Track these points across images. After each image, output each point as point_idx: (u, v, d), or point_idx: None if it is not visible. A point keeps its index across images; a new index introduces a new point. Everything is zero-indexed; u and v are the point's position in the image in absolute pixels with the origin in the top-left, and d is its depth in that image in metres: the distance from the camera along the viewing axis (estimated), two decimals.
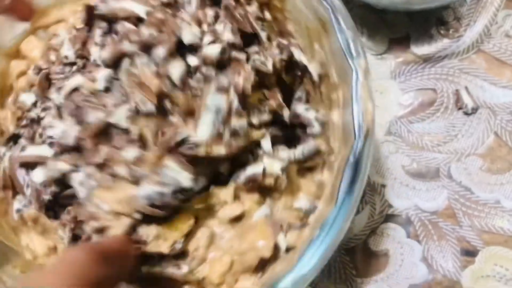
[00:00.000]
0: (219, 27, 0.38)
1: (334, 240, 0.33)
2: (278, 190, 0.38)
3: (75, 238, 0.37)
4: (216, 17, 0.39)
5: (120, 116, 0.35)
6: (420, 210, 0.49)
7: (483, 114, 0.51)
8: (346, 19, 0.37)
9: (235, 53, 0.38)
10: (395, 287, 0.48)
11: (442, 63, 0.53)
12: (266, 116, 0.39)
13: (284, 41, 0.41)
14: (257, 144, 0.39)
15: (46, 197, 0.38)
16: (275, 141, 0.39)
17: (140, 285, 0.36)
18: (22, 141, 0.40)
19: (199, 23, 0.38)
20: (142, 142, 0.35)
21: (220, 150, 0.35)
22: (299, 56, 0.41)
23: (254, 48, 0.39)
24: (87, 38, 0.39)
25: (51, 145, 0.38)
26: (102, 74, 0.36)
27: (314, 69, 0.40)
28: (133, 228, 0.35)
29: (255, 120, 0.38)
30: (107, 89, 0.36)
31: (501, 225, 0.48)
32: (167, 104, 0.35)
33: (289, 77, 0.41)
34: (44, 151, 0.38)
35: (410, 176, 0.50)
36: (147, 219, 0.35)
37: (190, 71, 0.36)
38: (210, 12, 0.39)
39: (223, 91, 0.36)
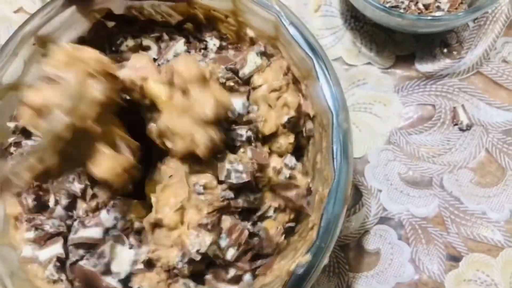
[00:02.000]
0: None
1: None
2: None
3: None
4: None
5: None
6: (412, 215, 0.50)
7: (477, 132, 0.51)
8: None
9: None
10: (384, 283, 0.48)
11: (443, 81, 0.53)
12: None
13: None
14: None
15: None
16: None
17: None
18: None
19: None
20: None
21: None
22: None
23: None
24: None
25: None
26: None
27: None
28: None
29: None
30: None
31: (485, 234, 0.49)
32: None
33: None
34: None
35: (405, 183, 0.51)
36: None
37: None
38: None
39: None
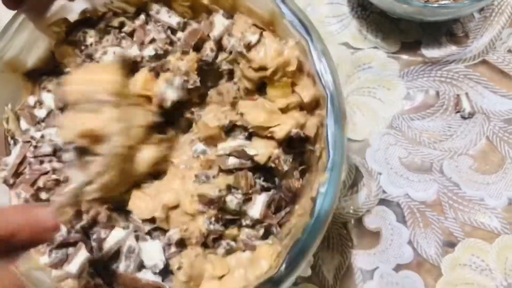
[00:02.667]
0: None
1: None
2: None
3: None
4: None
5: None
6: (410, 199, 0.49)
7: (479, 119, 0.51)
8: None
9: None
10: (385, 263, 0.48)
11: (449, 67, 0.52)
12: None
13: None
14: None
15: None
16: None
17: None
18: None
19: None
20: None
21: None
22: None
23: None
24: None
25: None
26: None
27: None
28: None
29: None
30: None
31: (482, 220, 0.48)
32: None
33: None
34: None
35: (405, 167, 0.50)
36: None
37: None
38: None
39: None
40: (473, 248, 0.48)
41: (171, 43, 0.41)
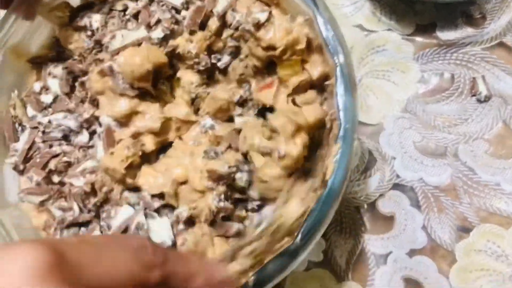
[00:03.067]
0: None
1: None
2: None
3: None
4: None
5: None
6: (424, 183, 0.48)
7: (495, 103, 0.49)
8: None
9: None
10: (399, 248, 0.47)
11: (465, 50, 0.51)
12: None
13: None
14: None
15: None
16: None
17: None
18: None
19: None
20: None
21: None
22: None
23: None
24: None
25: None
26: None
27: None
28: None
29: None
30: None
31: (498, 205, 0.47)
32: None
33: None
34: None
35: (419, 151, 0.49)
36: None
37: None
38: None
39: None
40: (488, 234, 0.47)
41: (177, 22, 0.40)
